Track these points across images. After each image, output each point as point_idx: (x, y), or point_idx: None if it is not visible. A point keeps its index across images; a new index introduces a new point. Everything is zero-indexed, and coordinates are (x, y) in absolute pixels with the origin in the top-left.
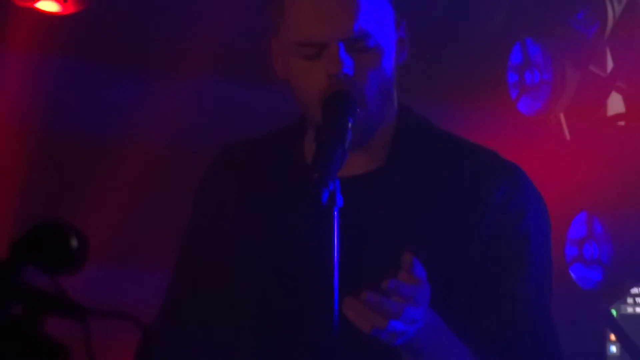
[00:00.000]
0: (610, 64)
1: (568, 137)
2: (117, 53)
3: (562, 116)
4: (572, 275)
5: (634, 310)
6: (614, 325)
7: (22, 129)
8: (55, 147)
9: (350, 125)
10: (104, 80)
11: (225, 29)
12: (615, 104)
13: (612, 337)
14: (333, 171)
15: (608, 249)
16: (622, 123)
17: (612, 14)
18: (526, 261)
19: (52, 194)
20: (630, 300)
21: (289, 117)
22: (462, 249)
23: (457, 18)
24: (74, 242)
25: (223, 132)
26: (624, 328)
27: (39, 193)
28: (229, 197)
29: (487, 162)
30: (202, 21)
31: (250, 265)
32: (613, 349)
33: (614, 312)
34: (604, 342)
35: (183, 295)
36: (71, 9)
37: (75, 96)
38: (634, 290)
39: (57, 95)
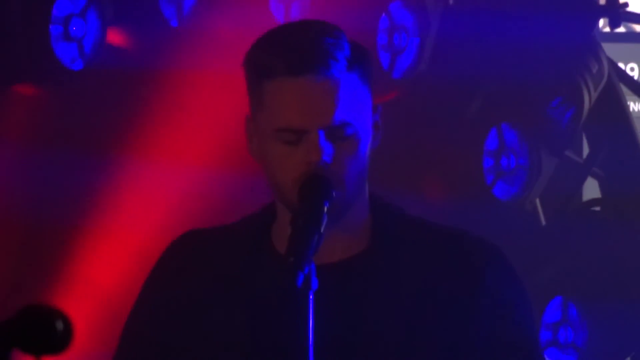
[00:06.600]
0: (586, 150)
1: (544, 222)
2: (99, 140)
3: (537, 201)
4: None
5: None
6: None
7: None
8: (33, 234)
9: (326, 209)
10: (83, 167)
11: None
12: (591, 189)
13: None
14: (309, 255)
15: (583, 334)
16: (597, 208)
17: (587, 100)
18: (528, 347)
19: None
20: None
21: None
22: (454, 334)
23: (434, 104)
24: (59, 325)
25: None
26: None
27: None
28: (189, 283)
29: (468, 244)
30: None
31: (221, 353)
32: None
33: None
34: None
35: None
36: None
37: (55, 184)
38: None
39: (36, 184)
